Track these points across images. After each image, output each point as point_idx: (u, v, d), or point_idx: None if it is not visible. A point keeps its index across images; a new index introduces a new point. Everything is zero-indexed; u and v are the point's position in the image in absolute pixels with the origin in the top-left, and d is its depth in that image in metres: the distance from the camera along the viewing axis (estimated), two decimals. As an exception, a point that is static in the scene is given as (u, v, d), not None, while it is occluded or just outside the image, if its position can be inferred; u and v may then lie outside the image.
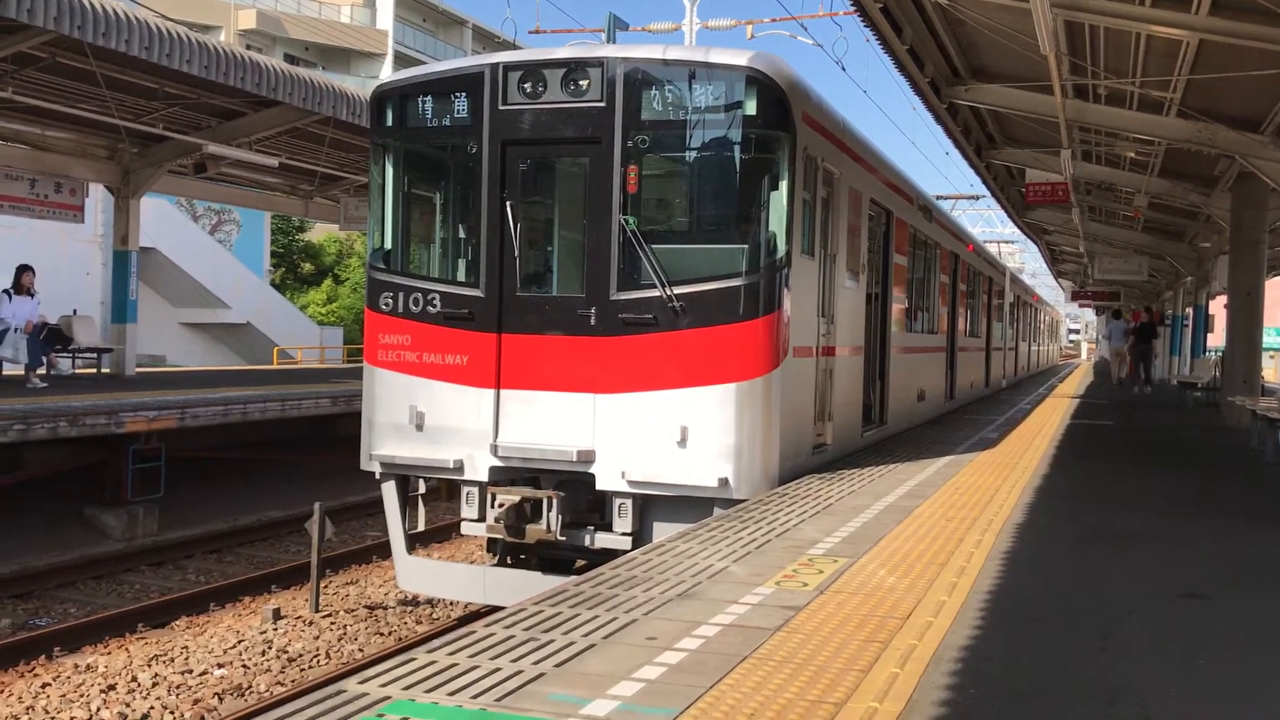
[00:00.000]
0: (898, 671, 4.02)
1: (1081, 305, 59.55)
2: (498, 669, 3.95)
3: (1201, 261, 27.59)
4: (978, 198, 38.09)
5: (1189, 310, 32.23)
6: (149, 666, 8.75)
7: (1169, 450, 13.64)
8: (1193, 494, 9.74)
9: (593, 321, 8.37)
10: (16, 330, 15.52)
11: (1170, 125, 14.18)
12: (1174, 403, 23.58)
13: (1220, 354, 23.82)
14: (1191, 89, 13.02)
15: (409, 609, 10.71)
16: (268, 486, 16.09)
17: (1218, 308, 27.45)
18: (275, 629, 9.76)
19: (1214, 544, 7.19)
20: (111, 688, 8.28)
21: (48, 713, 7.81)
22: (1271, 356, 44.83)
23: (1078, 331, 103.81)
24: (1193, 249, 27.65)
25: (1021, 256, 60.29)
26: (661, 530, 8.17)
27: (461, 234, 9.18)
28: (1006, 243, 49.32)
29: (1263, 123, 13.61)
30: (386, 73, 50.14)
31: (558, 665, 4.00)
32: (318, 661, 9.11)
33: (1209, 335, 30.66)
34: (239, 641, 9.39)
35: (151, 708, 7.92)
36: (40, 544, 12.33)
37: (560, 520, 8.28)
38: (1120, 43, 12.10)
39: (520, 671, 3.92)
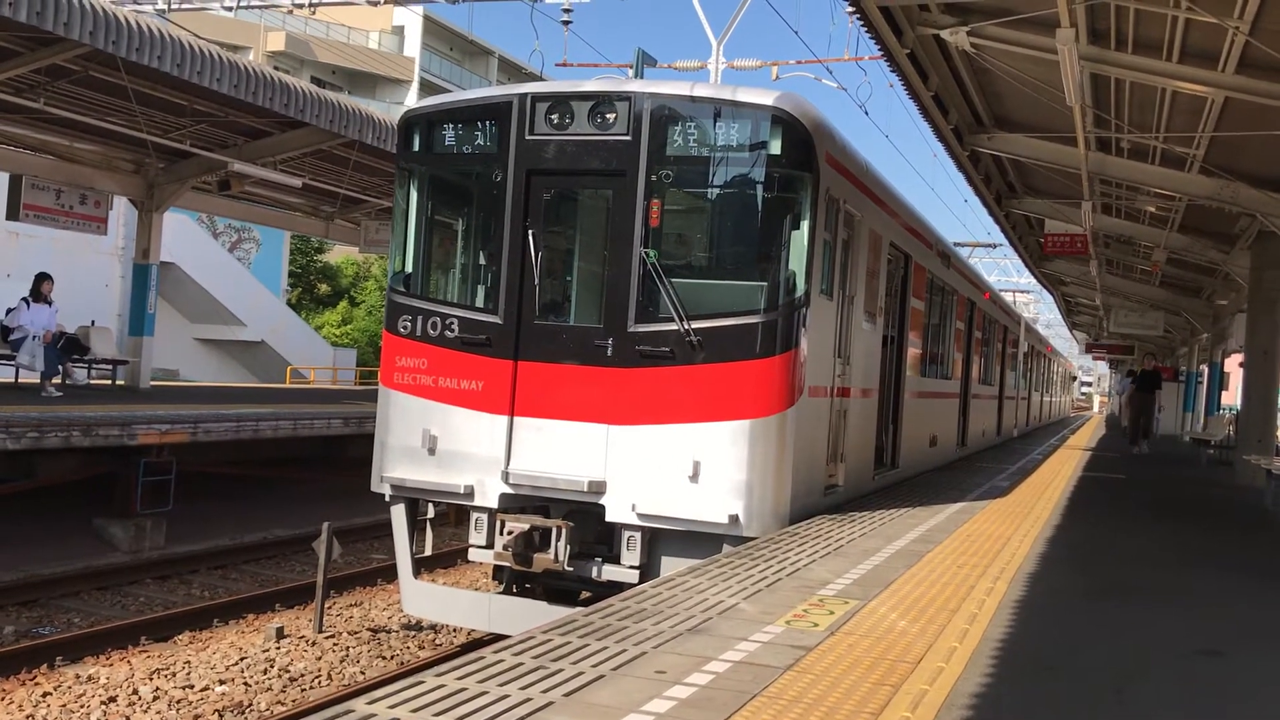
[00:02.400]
0: (909, 715, 3.98)
1: (1096, 358, 59.41)
2: (506, 695, 3.92)
3: (1218, 318, 27.49)
4: (995, 246, 38.15)
5: (1204, 367, 32.11)
6: (150, 680, 8.72)
7: (1182, 506, 13.54)
8: (1207, 551, 9.66)
9: (609, 352, 8.37)
10: (35, 338, 15.61)
11: (1192, 181, 14.19)
12: (1187, 459, 23.44)
13: (1234, 412, 23.71)
14: (1214, 146, 13.04)
15: (412, 633, 10.67)
16: (276, 504, 16.08)
17: (1233, 365, 27.38)
18: (278, 647, 9.73)
19: (1230, 601, 7.13)
20: (112, 700, 8.25)
21: (47, 722, 7.79)
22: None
23: (1090, 384, 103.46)
24: (1210, 306, 27.57)
25: (1036, 307, 60.21)
26: (670, 564, 8.13)
27: (482, 260, 9.21)
28: (1022, 292, 49.32)
29: (1285, 182, 13.62)
30: (412, 99, 50.61)
31: (566, 695, 3.97)
32: (319, 682, 9.07)
33: (1224, 393, 30.54)
34: (241, 659, 9.36)
35: (151, 722, 7.90)
36: (47, 552, 12.33)
37: (568, 550, 8.25)
38: (1145, 97, 12.14)
39: (529, 699, 3.89)
